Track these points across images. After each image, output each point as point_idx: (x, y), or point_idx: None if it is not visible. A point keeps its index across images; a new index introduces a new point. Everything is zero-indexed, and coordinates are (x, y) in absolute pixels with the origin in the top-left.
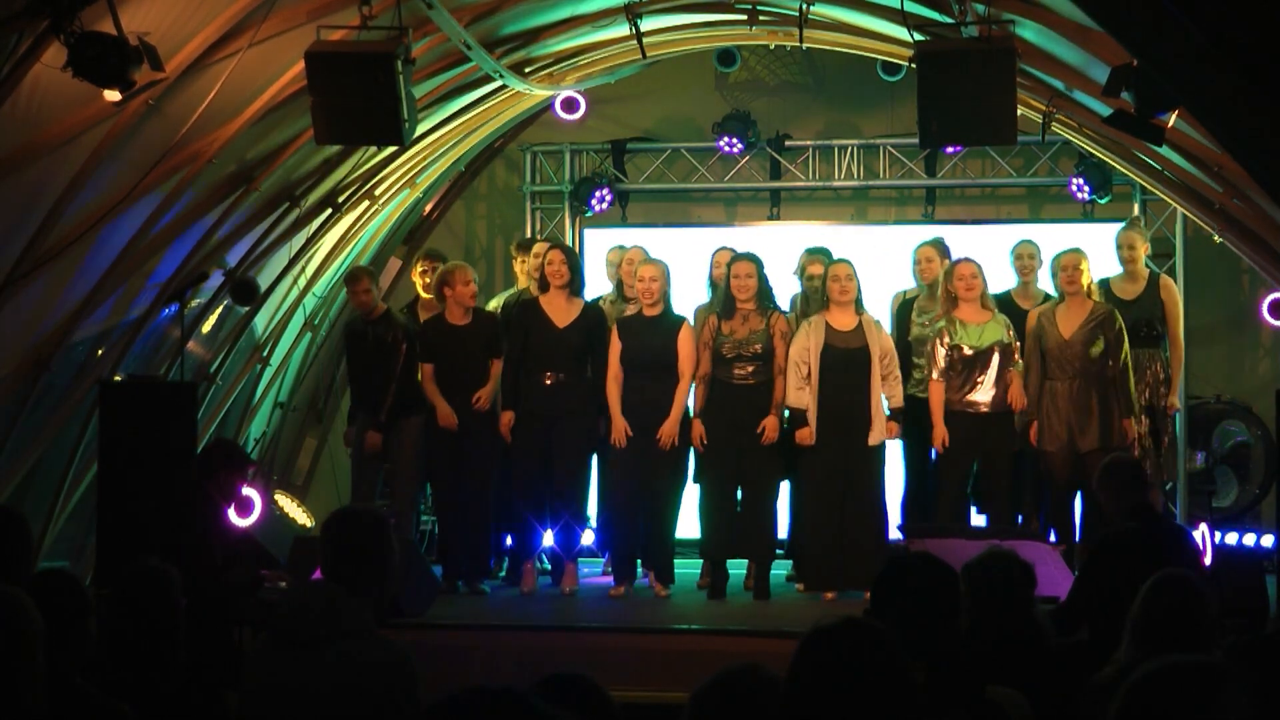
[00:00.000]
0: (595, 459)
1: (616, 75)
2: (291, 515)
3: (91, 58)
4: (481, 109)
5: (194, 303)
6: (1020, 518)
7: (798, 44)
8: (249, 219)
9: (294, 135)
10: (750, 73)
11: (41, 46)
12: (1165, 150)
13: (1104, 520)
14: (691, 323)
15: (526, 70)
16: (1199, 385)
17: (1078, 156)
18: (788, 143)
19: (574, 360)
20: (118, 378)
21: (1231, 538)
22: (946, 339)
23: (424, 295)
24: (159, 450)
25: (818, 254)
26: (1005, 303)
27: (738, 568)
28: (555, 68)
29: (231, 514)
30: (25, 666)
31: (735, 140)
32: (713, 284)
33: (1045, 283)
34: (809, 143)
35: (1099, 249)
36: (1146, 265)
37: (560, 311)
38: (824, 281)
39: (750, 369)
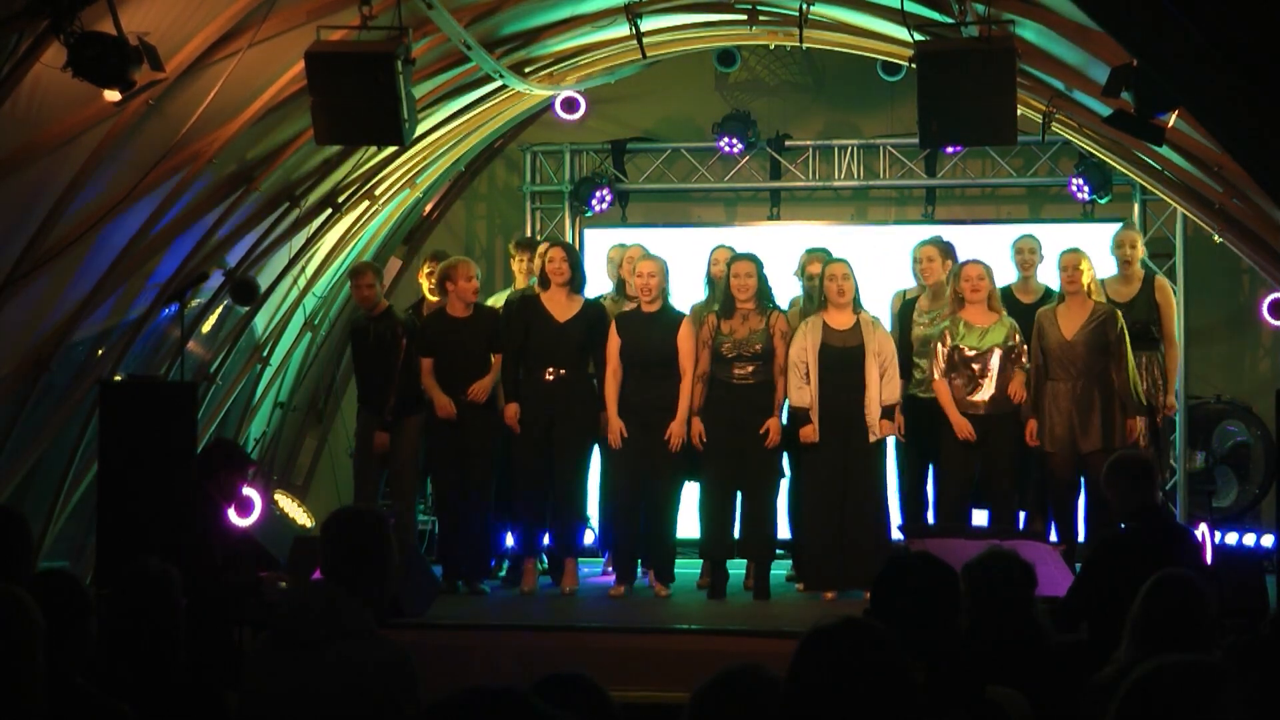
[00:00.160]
0: (597, 457)
1: (616, 75)
2: (291, 515)
3: (91, 58)
4: (481, 109)
5: (194, 303)
6: (1024, 517)
7: (798, 44)
8: (249, 219)
9: (294, 135)
10: (750, 73)
11: (41, 46)
12: (1165, 150)
13: (1106, 521)
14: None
15: (526, 70)
16: (1199, 385)
17: (1078, 156)
18: (788, 143)
19: (575, 356)
20: (118, 378)
21: (1231, 538)
22: (948, 339)
23: (430, 298)
24: (159, 450)
25: (818, 253)
26: (1006, 297)
27: (738, 568)
28: (555, 68)
29: (231, 514)
30: (26, 666)
31: (735, 140)
32: (710, 282)
33: (1045, 277)
34: (809, 143)
35: (1098, 249)
36: (1143, 266)
37: (560, 307)
38: (821, 281)
39: (750, 369)
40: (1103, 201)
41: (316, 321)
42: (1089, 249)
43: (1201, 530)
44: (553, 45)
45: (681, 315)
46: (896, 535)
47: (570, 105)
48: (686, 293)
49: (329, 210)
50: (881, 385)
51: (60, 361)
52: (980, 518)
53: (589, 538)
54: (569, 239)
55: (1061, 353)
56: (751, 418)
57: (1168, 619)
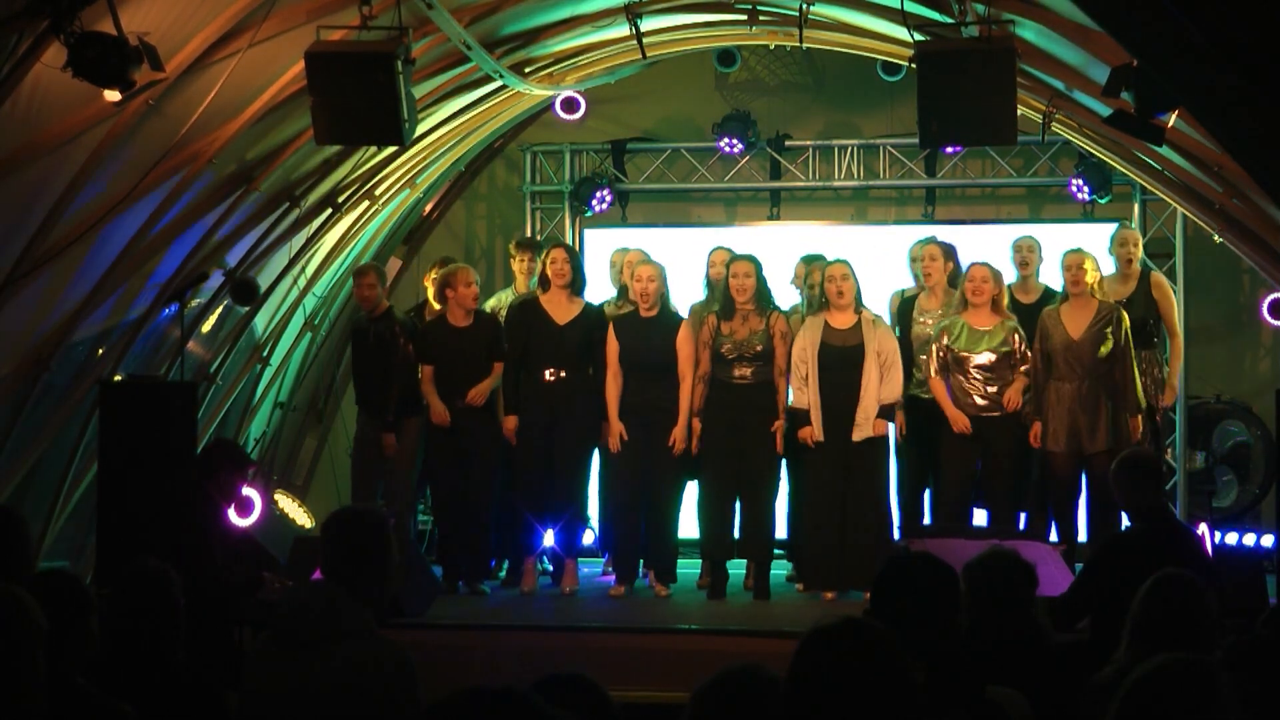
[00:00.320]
0: (597, 458)
1: (616, 75)
2: (291, 515)
3: (91, 58)
4: (481, 109)
5: (194, 303)
6: (1026, 517)
7: (798, 44)
8: (249, 219)
9: (294, 135)
10: (750, 73)
11: (41, 46)
12: (1165, 150)
13: (1108, 521)
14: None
15: (526, 70)
16: (1199, 385)
17: (1078, 156)
18: (788, 143)
19: (575, 357)
20: (118, 378)
21: (1231, 537)
22: (944, 339)
23: (435, 305)
24: (159, 450)
25: (815, 261)
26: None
27: (738, 568)
28: (555, 68)
29: (231, 514)
30: (27, 666)
31: (735, 140)
32: (709, 283)
33: (1044, 277)
34: (809, 143)
35: (1098, 249)
36: (1140, 264)
37: (560, 309)
38: (822, 283)
39: (750, 370)
40: (1103, 201)
41: (316, 321)
42: (1088, 249)
43: (1201, 530)
44: (553, 45)
45: (680, 318)
46: (897, 535)
47: (570, 105)
48: (686, 294)
49: (329, 210)
50: (882, 384)
51: (60, 361)
52: (981, 518)
53: (589, 538)
54: (569, 239)
55: (1067, 353)
56: (751, 418)
57: (1167, 619)
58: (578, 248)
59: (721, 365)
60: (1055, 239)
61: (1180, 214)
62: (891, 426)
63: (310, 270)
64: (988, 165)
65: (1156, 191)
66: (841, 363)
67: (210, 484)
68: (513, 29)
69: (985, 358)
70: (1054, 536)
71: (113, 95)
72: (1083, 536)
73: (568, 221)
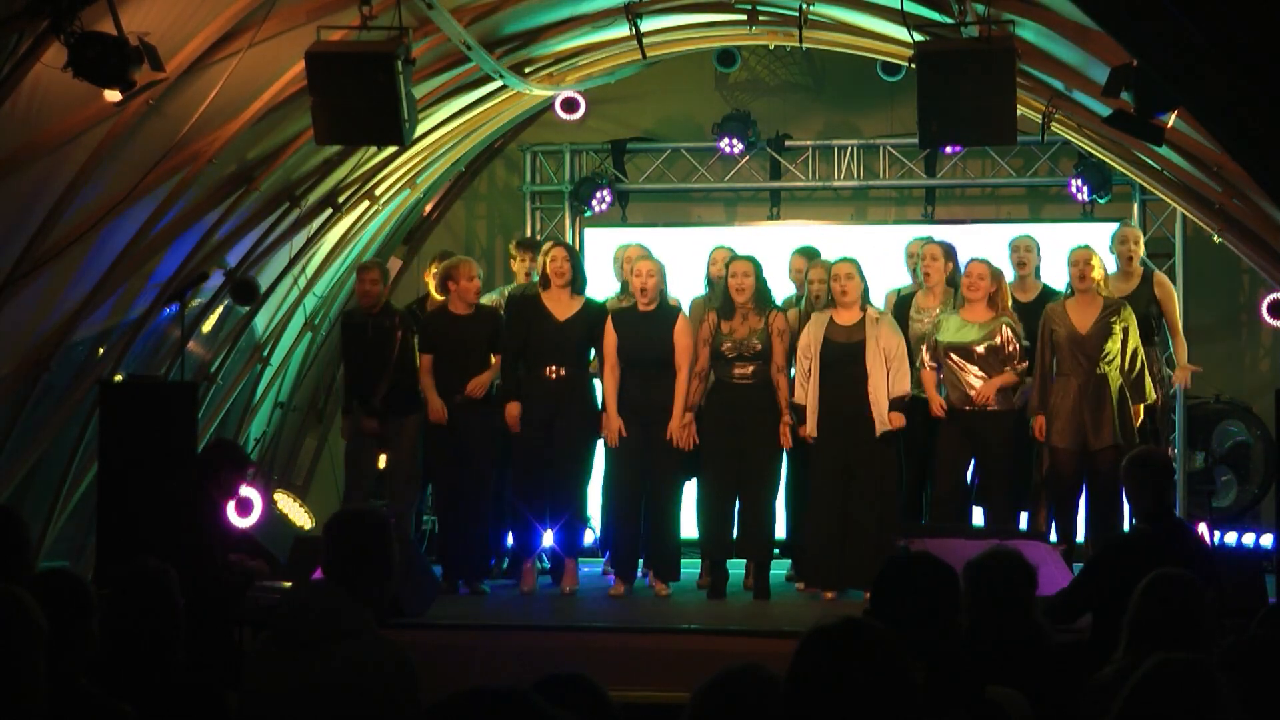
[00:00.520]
0: (600, 458)
1: (616, 75)
2: (291, 515)
3: (91, 58)
4: (481, 109)
5: (194, 303)
6: (1027, 516)
7: (798, 44)
8: (249, 219)
9: (294, 135)
10: (750, 73)
11: (41, 46)
12: (1165, 150)
13: (1109, 520)
14: (687, 313)
15: (526, 70)
16: (1199, 385)
17: (1077, 156)
18: (788, 143)
19: (575, 354)
20: (118, 378)
21: (1231, 538)
22: (936, 333)
23: (436, 297)
24: (159, 450)
25: (807, 253)
26: None
27: (738, 568)
28: (555, 68)
29: (231, 514)
30: (28, 667)
31: (735, 140)
32: (710, 282)
33: (1045, 276)
34: (809, 143)
35: (1100, 248)
36: (1141, 264)
37: (561, 306)
38: (828, 281)
39: (750, 369)
40: (1102, 201)
41: (316, 321)
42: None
43: (1201, 530)
44: (553, 45)
45: (678, 311)
46: None
47: (570, 105)
48: (687, 294)
49: (329, 210)
50: (890, 378)
51: (60, 361)
52: (981, 517)
53: (589, 538)
54: (569, 239)
55: (1075, 347)
56: (751, 417)
57: (1164, 618)
58: (578, 248)
59: (721, 364)
60: (1055, 239)
61: (1180, 214)
62: None
63: (310, 270)
64: (987, 165)
65: (1156, 191)
66: (843, 360)
67: (211, 483)
68: (513, 29)
69: (973, 350)
70: (1053, 536)
71: (113, 95)
72: (1081, 537)
73: (568, 221)
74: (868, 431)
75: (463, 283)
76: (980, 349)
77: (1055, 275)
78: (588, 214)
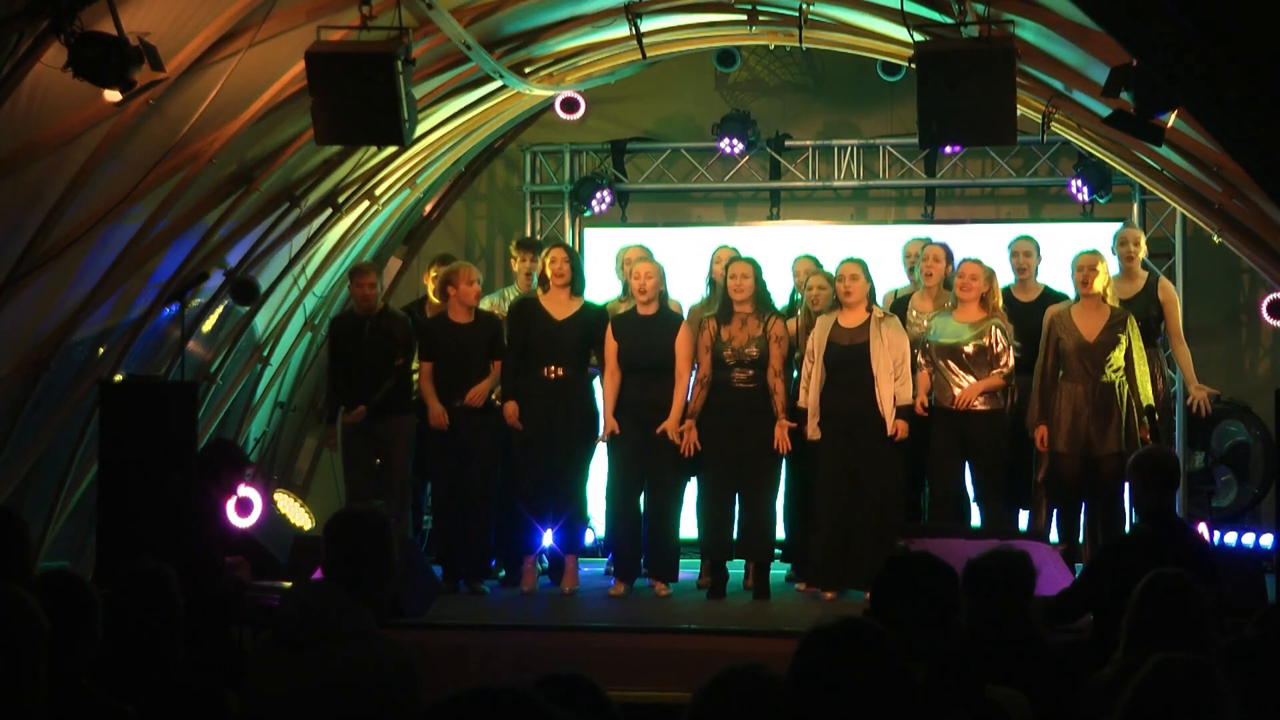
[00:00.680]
0: (602, 459)
1: (616, 75)
2: (291, 515)
3: (91, 58)
4: (481, 109)
5: (194, 303)
6: (1027, 516)
7: (797, 44)
8: (249, 219)
9: (294, 135)
10: (750, 73)
11: (41, 46)
12: (1165, 150)
13: (1111, 527)
14: (685, 318)
15: (526, 70)
16: None
17: (1077, 156)
18: (788, 143)
19: (574, 355)
20: (118, 378)
21: (1231, 538)
22: (929, 335)
23: (434, 300)
24: (159, 450)
25: (808, 259)
26: (1004, 297)
27: (737, 568)
28: (555, 68)
29: (231, 514)
30: (28, 667)
31: (735, 140)
32: (711, 282)
33: (1043, 277)
34: (809, 143)
35: (1101, 249)
36: (1143, 266)
37: (560, 307)
38: (830, 288)
39: (750, 373)
40: (1102, 201)
41: (316, 321)
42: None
43: (1201, 530)
44: (553, 45)
45: (680, 319)
46: None
47: (570, 105)
48: (687, 293)
49: (329, 210)
50: (896, 383)
51: (60, 361)
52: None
53: (589, 538)
54: (569, 239)
55: (1082, 355)
56: (751, 420)
57: (1162, 618)
58: (578, 248)
59: (722, 369)
60: (1055, 239)
61: (1180, 214)
62: None
63: (310, 270)
64: (987, 165)
65: (1156, 191)
66: (846, 362)
67: (211, 483)
68: (513, 29)
69: (961, 351)
70: (1053, 536)
71: (113, 95)
72: (1082, 538)
73: (568, 221)
74: (871, 433)
75: (462, 287)
76: (969, 349)
77: (1055, 275)
78: (588, 214)
